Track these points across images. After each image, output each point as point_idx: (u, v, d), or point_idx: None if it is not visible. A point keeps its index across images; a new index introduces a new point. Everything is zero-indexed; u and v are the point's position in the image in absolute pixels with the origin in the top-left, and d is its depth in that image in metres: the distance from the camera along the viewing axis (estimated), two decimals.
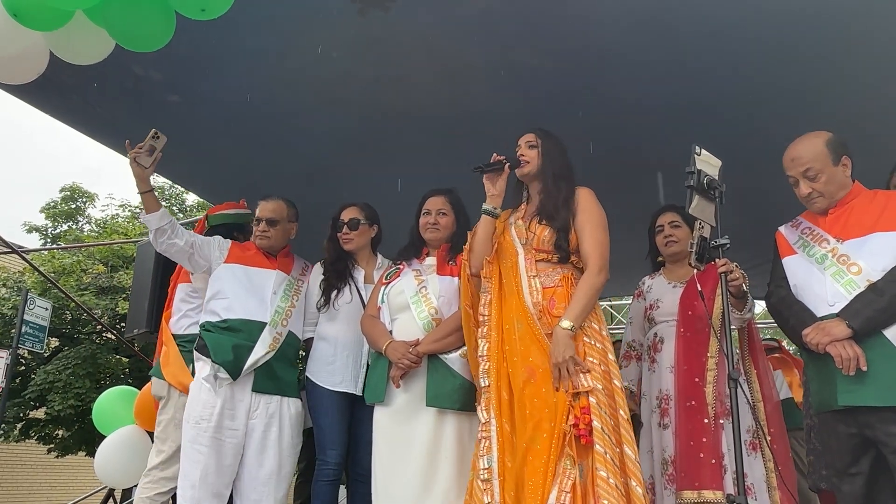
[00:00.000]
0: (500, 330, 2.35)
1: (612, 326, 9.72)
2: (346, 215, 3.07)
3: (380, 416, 2.62)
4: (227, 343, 2.82)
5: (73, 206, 13.43)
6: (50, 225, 13.39)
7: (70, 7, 2.19)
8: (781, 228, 2.40)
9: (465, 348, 2.50)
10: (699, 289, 2.47)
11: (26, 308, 7.84)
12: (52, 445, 10.91)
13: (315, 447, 2.95)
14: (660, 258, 3.00)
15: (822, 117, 3.02)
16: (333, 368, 2.92)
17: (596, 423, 2.10)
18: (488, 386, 2.29)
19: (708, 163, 2.24)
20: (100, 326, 10.05)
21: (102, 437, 3.73)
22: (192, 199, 13.86)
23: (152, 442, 3.25)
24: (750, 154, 2.86)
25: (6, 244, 6.37)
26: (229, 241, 3.13)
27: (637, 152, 3.51)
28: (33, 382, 10.01)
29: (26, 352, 9.94)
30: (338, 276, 3.03)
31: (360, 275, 3.06)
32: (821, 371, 2.13)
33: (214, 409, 2.75)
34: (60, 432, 10.72)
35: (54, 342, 10.97)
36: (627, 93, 3.08)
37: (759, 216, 2.51)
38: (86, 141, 3.58)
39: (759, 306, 4.19)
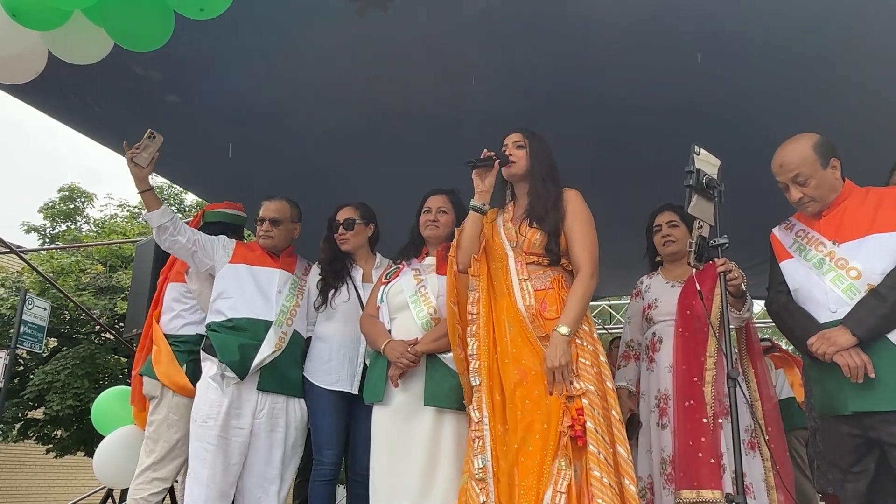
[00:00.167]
0: (490, 330, 2.36)
1: (611, 326, 9.73)
2: (342, 216, 3.07)
3: (378, 415, 2.62)
4: (233, 343, 2.84)
5: (72, 206, 13.40)
6: (48, 225, 13.37)
7: (68, 7, 2.18)
8: (775, 230, 2.39)
9: None
10: (698, 288, 2.47)
11: (25, 308, 7.83)
12: (50, 445, 10.89)
13: (312, 447, 2.95)
14: (658, 258, 3.00)
15: (822, 117, 3.03)
16: (329, 368, 2.92)
17: (589, 424, 2.12)
18: (479, 385, 2.29)
19: (707, 162, 2.24)
20: (98, 326, 10.03)
21: (101, 437, 3.71)
22: (190, 198, 13.85)
23: None
24: (750, 154, 2.86)
25: (4, 244, 6.36)
26: (234, 241, 3.14)
27: (637, 152, 3.51)
28: (32, 382, 9.99)
29: (25, 352, 9.92)
30: (335, 276, 3.03)
31: (358, 274, 3.07)
32: (825, 377, 2.12)
33: (221, 409, 2.77)
34: (59, 432, 10.70)
35: (53, 342, 10.95)
36: (627, 93, 3.08)
37: (759, 216, 2.51)
38: (85, 141, 3.58)
39: (758, 306, 4.19)
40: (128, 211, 13.53)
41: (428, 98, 3.20)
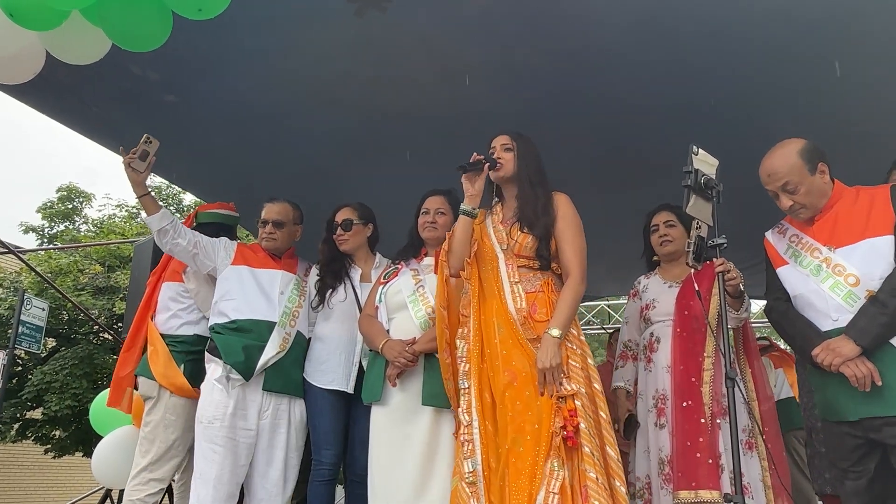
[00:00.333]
0: (480, 332, 2.36)
1: (609, 326, 9.73)
2: (340, 216, 3.08)
3: (377, 415, 2.63)
4: (237, 344, 2.85)
5: (70, 207, 13.38)
6: (47, 225, 13.35)
7: (66, 7, 2.18)
8: (768, 235, 2.37)
9: None
10: (697, 288, 2.47)
11: (23, 308, 7.82)
12: (49, 446, 10.88)
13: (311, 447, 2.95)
14: (655, 258, 3.00)
15: (822, 117, 3.04)
16: (326, 367, 2.92)
17: (583, 426, 2.14)
18: (468, 388, 2.30)
19: (705, 162, 2.25)
20: (97, 327, 10.02)
21: (99, 438, 3.71)
22: (189, 198, 13.83)
23: None
24: (750, 154, 2.86)
25: (3, 244, 6.36)
26: (235, 243, 3.15)
27: (636, 152, 3.51)
28: (30, 383, 9.98)
29: (23, 352, 9.90)
30: (333, 276, 3.04)
31: (356, 274, 3.07)
32: (829, 383, 2.11)
33: (227, 410, 2.78)
34: (57, 433, 10.69)
35: (51, 342, 10.94)
36: (626, 93, 3.08)
37: (757, 216, 2.51)
38: (84, 141, 3.57)
39: (756, 306, 4.19)
40: (126, 211, 13.52)
41: (427, 98, 3.20)
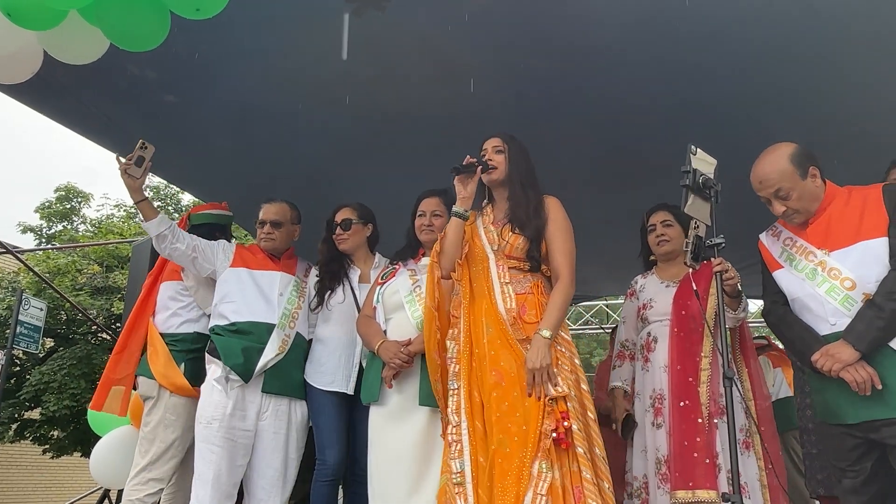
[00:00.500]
0: (469, 332, 2.37)
1: (607, 326, 9.73)
2: (340, 216, 3.08)
3: (375, 416, 2.64)
4: (236, 346, 2.85)
5: (68, 206, 13.35)
6: (45, 225, 13.32)
7: (64, 6, 2.18)
8: (762, 237, 2.37)
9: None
10: (695, 288, 2.47)
11: (21, 308, 7.80)
12: (47, 446, 10.86)
13: (314, 447, 2.95)
14: (652, 257, 3.00)
15: (822, 117, 3.04)
16: (325, 369, 2.93)
17: (575, 427, 2.16)
18: (457, 388, 2.31)
19: (704, 161, 2.25)
20: (95, 327, 10.01)
21: (97, 438, 3.71)
22: (187, 198, 13.80)
23: None
24: (750, 154, 2.87)
25: (0, 244, 6.35)
26: (234, 245, 3.16)
27: (635, 152, 3.51)
28: (28, 383, 9.97)
29: (21, 352, 9.90)
30: (332, 277, 3.04)
31: (355, 275, 3.07)
32: (828, 387, 2.11)
33: (226, 410, 2.79)
34: (56, 433, 10.68)
35: (49, 342, 10.93)
36: (626, 92, 3.08)
37: (755, 216, 2.51)
38: (83, 140, 3.57)
39: (754, 305, 4.19)
40: (124, 211, 13.49)
41: (426, 98, 3.20)
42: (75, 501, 7.60)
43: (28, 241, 13.03)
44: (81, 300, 10.03)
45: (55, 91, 3.10)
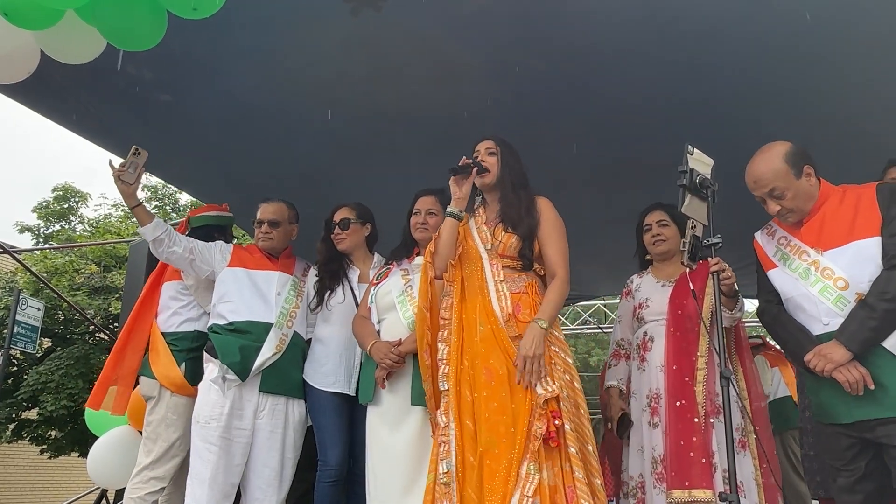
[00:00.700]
0: (461, 332, 2.37)
1: (605, 325, 9.74)
2: (338, 216, 3.08)
3: (371, 416, 2.65)
4: (233, 345, 2.85)
5: (66, 206, 13.34)
6: (42, 225, 13.30)
7: (61, 6, 2.17)
8: (757, 236, 2.37)
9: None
10: (692, 287, 2.47)
11: (18, 308, 7.78)
12: (44, 446, 10.85)
13: (311, 446, 2.95)
14: (647, 257, 3.00)
15: (822, 117, 3.04)
16: (326, 370, 2.92)
17: (568, 426, 2.17)
18: (447, 390, 2.31)
19: (701, 161, 2.25)
20: (92, 327, 10.00)
21: (95, 438, 3.71)
22: (185, 198, 13.79)
23: None
24: (750, 154, 2.87)
25: None
26: (231, 245, 3.16)
27: (635, 152, 3.52)
28: (26, 383, 9.95)
29: (18, 352, 9.88)
30: (331, 277, 3.04)
31: (354, 274, 3.07)
32: (823, 386, 2.11)
33: (223, 410, 2.79)
34: (53, 433, 10.67)
35: (47, 342, 10.91)
36: (626, 92, 3.08)
37: (753, 216, 2.51)
38: (81, 140, 3.57)
39: (750, 304, 4.20)
40: (122, 210, 13.47)
41: (423, 98, 3.20)
42: (73, 501, 7.59)
43: (25, 241, 13.01)
44: (79, 300, 10.02)
45: (52, 91, 3.09)
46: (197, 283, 3.20)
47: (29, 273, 9.01)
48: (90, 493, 6.75)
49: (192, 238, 3.10)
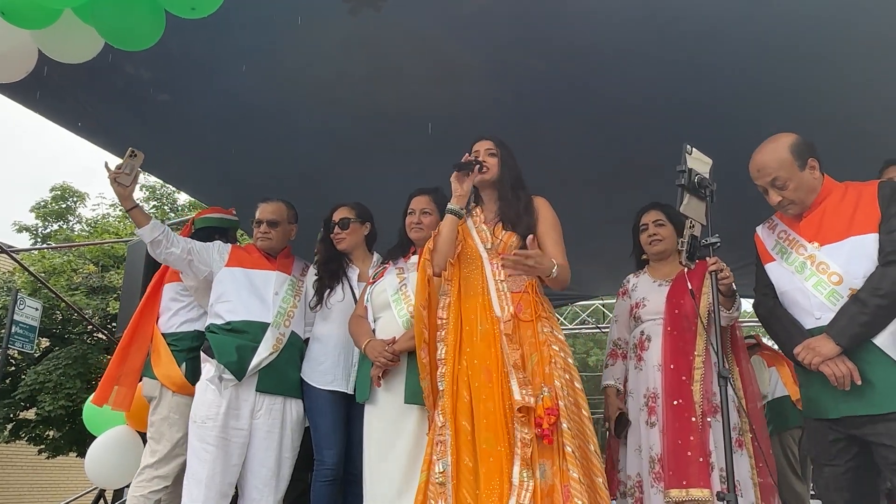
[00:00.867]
0: (459, 331, 2.37)
1: (604, 325, 9.74)
2: (337, 216, 3.08)
3: (368, 415, 2.65)
4: (230, 344, 2.85)
5: (64, 206, 13.33)
6: (40, 224, 13.29)
7: (58, 5, 2.17)
8: (759, 230, 2.37)
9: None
10: (690, 287, 2.47)
11: (16, 308, 7.78)
12: (42, 446, 10.85)
13: (308, 446, 2.94)
14: (644, 256, 3.00)
15: (822, 117, 3.04)
16: (324, 368, 2.93)
17: (565, 426, 2.16)
18: (444, 389, 2.31)
19: (699, 161, 2.25)
20: (90, 326, 10.00)
21: (93, 438, 3.70)
22: (183, 198, 13.78)
23: (143, 442, 3.24)
24: (749, 154, 2.88)
25: None
26: (229, 245, 3.16)
27: (634, 152, 3.52)
28: (23, 383, 9.95)
29: (16, 352, 9.87)
30: (331, 276, 3.04)
31: (354, 274, 3.07)
32: (812, 381, 2.12)
33: (220, 409, 2.79)
34: (51, 433, 10.66)
35: (45, 342, 10.91)
36: (626, 92, 3.08)
37: (751, 216, 2.51)
38: (80, 140, 3.57)
39: (747, 304, 4.20)
40: (120, 210, 13.44)
41: (423, 98, 3.20)
42: (71, 501, 7.57)
43: (23, 241, 13.00)
44: (77, 300, 10.01)
45: (50, 90, 3.09)
46: (197, 284, 3.20)
47: (27, 273, 9.00)
48: (88, 493, 6.74)
49: (190, 239, 3.10)
